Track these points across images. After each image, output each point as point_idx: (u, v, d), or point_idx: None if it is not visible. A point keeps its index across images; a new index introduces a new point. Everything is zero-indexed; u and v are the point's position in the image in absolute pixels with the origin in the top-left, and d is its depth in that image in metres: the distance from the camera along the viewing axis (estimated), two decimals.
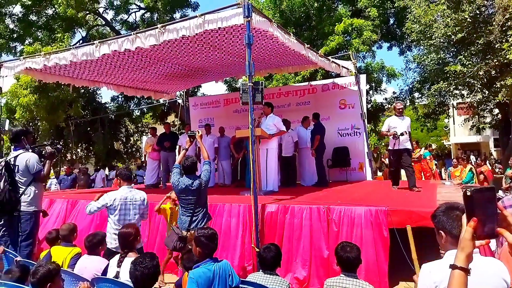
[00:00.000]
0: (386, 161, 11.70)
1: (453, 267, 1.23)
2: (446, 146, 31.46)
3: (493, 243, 3.66)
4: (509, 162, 10.58)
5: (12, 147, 4.64)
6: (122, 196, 4.20)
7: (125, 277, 2.96)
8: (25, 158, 4.35)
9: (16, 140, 4.50)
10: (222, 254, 5.05)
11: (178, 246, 4.03)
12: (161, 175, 9.86)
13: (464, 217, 1.23)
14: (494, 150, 25.16)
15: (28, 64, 7.29)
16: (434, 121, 18.19)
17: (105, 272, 3.27)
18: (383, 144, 20.06)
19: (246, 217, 5.14)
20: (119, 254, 3.31)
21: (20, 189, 4.34)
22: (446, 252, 1.68)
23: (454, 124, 26.01)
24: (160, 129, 11.11)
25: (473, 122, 16.53)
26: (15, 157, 4.37)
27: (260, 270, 3.27)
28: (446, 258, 1.66)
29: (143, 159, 18.91)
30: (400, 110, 6.88)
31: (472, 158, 10.23)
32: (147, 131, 20.46)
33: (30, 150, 4.48)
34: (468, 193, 1.22)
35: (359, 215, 4.59)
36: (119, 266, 3.17)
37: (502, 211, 1.19)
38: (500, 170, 14.65)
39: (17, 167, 4.33)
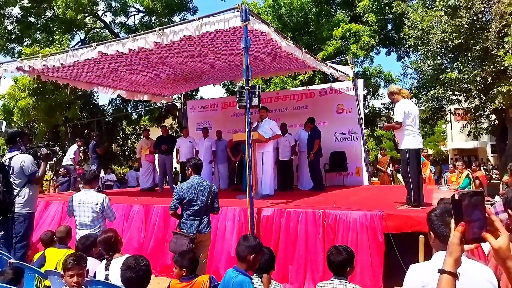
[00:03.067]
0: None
1: (441, 271, 1.23)
2: (444, 151, 31.51)
3: (487, 246, 3.67)
4: (507, 167, 10.60)
5: (7, 148, 4.63)
6: (77, 199, 4.40)
7: (114, 279, 2.96)
8: (20, 159, 4.34)
9: (12, 141, 4.50)
10: (217, 258, 5.05)
11: (191, 248, 4.01)
12: (157, 178, 9.83)
13: (452, 222, 1.23)
14: (491, 156, 25.22)
15: (26, 65, 7.29)
16: (431, 127, 18.22)
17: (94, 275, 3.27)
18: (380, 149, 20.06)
19: (241, 221, 5.14)
20: (106, 258, 3.32)
21: (15, 190, 4.33)
22: (434, 254, 1.69)
23: (451, 129, 26.07)
24: (157, 132, 11.07)
25: (470, 128, 16.58)
26: (10, 159, 4.36)
27: (255, 274, 3.27)
28: (434, 259, 1.67)
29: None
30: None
31: (459, 164, 10.20)
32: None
33: (25, 152, 4.47)
34: (456, 197, 1.22)
35: (354, 220, 4.59)
36: (107, 269, 3.17)
37: (490, 216, 1.19)
38: (497, 176, 14.70)
39: (12, 168, 4.32)
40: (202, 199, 4.16)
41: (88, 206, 4.35)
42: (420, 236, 4.02)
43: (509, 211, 2.09)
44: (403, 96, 5.16)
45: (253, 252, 2.89)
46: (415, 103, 15.91)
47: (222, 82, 14.88)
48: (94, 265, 3.48)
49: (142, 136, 17.10)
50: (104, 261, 3.31)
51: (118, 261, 2.91)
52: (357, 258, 4.19)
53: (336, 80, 10.01)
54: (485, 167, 17.41)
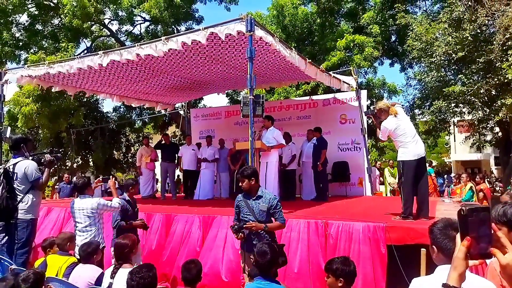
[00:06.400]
0: None
1: (445, 286, 1.22)
2: (447, 163, 31.39)
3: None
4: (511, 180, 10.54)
5: (12, 154, 4.65)
6: (74, 205, 4.51)
7: None
8: (24, 165, 4.36)
9: (16, 147, 4.51)
10: (217, 267, 5.02)
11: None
12: (156, 186, 9.84)
13: (458, 236, 1.23)
14: (495, 168, 25.08)
15: (31, 72, 7.36)
16: (434, 139, 18.17)
17: (100, 281, 3.26)
18: (383, 159, 20.02)
19: None
20: (113, 265, 3.30)
21: (18, 196, 4.34)
22: (437, 267, 1.68)
23: (455, 141, 26.00)
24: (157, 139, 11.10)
25: (473, 140, 16.52)
26: (14, 165, 4.37)
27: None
28: (436, 273, 1.66)
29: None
30: None
31: (464, 176, 10.13)
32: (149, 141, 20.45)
33: (29, 158, 4.49)
34: (463, 212, 1.21)
35: (357, 231, 4.56)
36: (112, 277, 3.16)
37: (496, 232, 1.19)
38: (500, 188, 14.59)
39: (15, 174, 4.34)
40: None
41: (84, 212, 4.42)
42: (422, 249, 4.00)
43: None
44: (391, 113, 5.15)
45: (262, 258, 2.97)
46: (418, 114, 16.05)
47: (226, 91, 14.98)
48: (95, 272, 3.48)
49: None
50: (111, 268, 3.31)
51: (125, 272, 2.89)
52: (360, 270, 4.16)
53: (339, 90, 10.04)
54: (488, 179, 17.30)
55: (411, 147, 5.02)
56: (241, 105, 5.71)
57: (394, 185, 12.09)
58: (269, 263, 2.96)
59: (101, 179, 5.24)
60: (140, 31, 18.81)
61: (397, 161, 5.22)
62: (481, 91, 11.11)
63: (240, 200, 3.96)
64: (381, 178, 12.78)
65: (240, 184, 3.94)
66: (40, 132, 16.31)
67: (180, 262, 4.93)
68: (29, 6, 16.44)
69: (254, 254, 3.02)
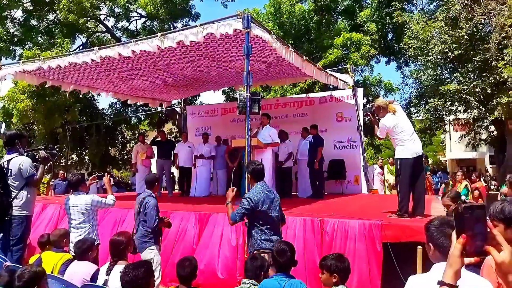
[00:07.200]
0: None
1: (441, 283, 1.22)
2: (442, 161, 31.56)
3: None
4: (506, 179, 10.61)
5: (6, 150, 4.62)
6: (68, 202, 4.46)
7: (113, 285, 2.93)
8: (18, 162, 4.32)
9: (10, 143, 4.48)
10: (214, 263, 5.02)
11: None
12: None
13: (453, 234, 1.23)
14: (490, 167, 25.25)
15: (26, 67, 7.30)
16: (430, 137, 18.25)
17: (95, 277, 3.24)
18: (380, 158, 20.08)
19: (239, 227, 5.11)
20: (109, 262, 3.29)
21: (13, 193, 4.31)
22: (433, 265, 1.68)
23: (450, 140, 26.13)
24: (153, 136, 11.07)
25: (469, 139, 16.61)
26: (8, 161, 4.34)
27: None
28: (432, 271, 1.66)
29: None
30: None
31: (459, 174, 10.21)
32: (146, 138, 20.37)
33: (24, 154, 4.46)
34: (459, 210, 1.22)
35: (352, 228, 4.58)
36: (108, 274, 3.15)
37: (492, 230, 1.19)
38: (495, 187, 14.71)
39: (10, 171, 4.30)
40: (277, 210, 3.74)
41: (78, 209, 4.40)
42: (418, 247, 4.01)
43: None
44: (389, 111, 5.18)
45: (282, 256, 3.02)
46: (414, 112, 16.10)
47: (222, 89, 14.96)
48: (90, 269, 3.46)
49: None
50: (107, 265, 3.29)
51: (121, 268, 2.89)
52: (355, 267, 4.18)
53: (336, 88, 10.04)
54: (483, 178, 17.43)
55: (409, 145, 5.03)
56: (238, 102, 5.71)
57: (391, 182, 12.16)
58: (289, 260, 3.02)
59: (96, 176, 5.19)
60: (136, 27, 18.73)
61: (394, 159, 5.23)
62: (477, 90, 11.16)
63: None
64: (382, 177, 12.83)
65: None
66: (35, 128, 16.20)
67: (175, 259, 4.91)
68: (24, 1, 16.30)
69: (273, 253, 3.03)
